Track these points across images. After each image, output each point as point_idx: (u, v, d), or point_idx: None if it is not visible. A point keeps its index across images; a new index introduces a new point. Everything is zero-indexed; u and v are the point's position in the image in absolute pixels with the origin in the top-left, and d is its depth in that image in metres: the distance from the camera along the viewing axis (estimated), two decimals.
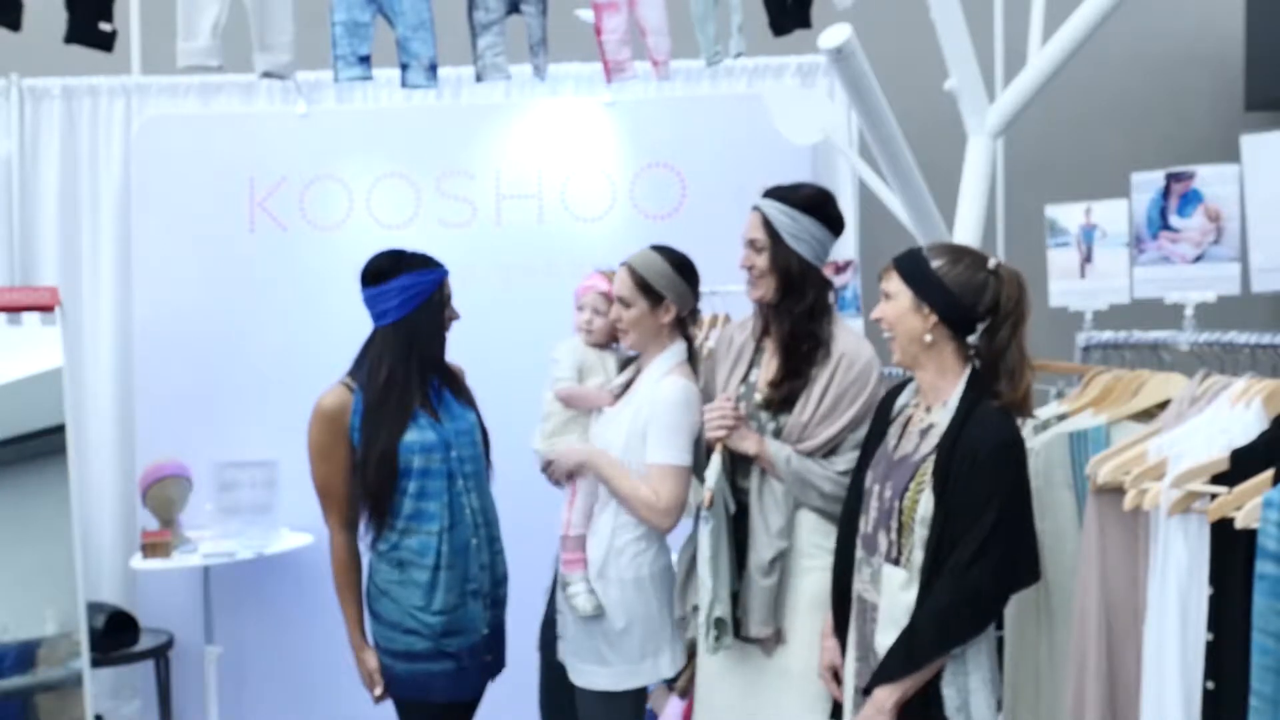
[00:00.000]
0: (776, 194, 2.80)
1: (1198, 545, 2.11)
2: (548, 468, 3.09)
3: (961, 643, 2.31)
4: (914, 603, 2.33)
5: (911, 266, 2.44)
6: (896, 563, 2.40)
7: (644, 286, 2.93)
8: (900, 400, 2.57)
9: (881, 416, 2.60)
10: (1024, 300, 2.40)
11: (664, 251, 2.98)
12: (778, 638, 2.75)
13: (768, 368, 2.82)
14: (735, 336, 2.94)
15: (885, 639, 2.39)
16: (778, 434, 2.76)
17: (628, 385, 3.02)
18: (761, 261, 2.78)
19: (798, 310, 2.75)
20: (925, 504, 2.34)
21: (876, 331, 2.57)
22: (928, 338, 2.41)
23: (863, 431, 2.68)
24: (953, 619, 2.29)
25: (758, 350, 2.87)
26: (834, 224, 2.81)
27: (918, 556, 2.35)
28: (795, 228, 2.75)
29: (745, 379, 2.85)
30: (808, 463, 2.72)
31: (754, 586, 2.73)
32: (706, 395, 2.90)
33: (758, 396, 2.81)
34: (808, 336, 2.75)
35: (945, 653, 2.31)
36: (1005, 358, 2.38)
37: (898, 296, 2.44)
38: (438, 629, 2.90)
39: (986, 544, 2.26)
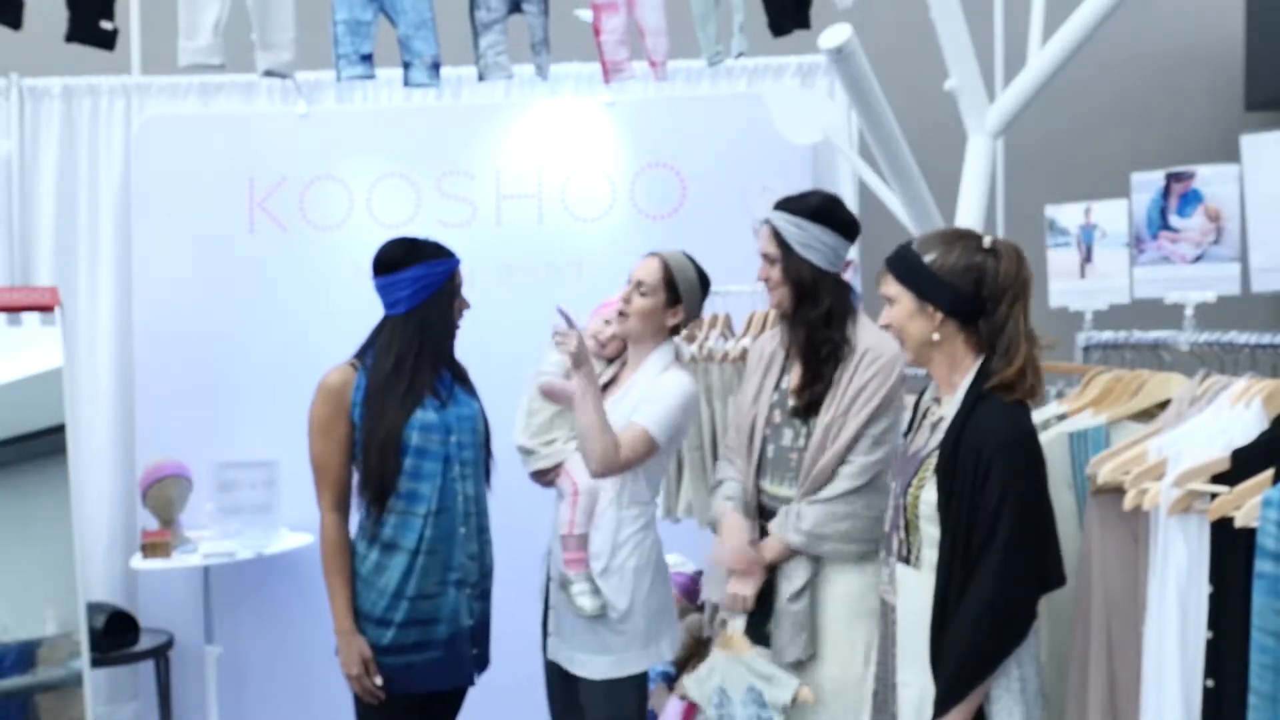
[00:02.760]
0: (785, 205, 2.83)
1: (1197, 545, 2.11)
2: (538, 474, 3.14)
3: (1008, 653, 2.24)
4: (931, 606, 2.29)
5: (906, 267, 2.36)
6: (907, 561, 2.39)
7: (670, 283, 3.01)
8: (926, 396, 2.52)
9: (912, 415, 2.56)
10: (1022, 273, 2.31)
11: (694, 262, 3.08)
12: (812, 657, 2.73)
13: (794, 374, 2.84)
14: (765, 347, 2.96)
15: (906, 641, 2.38)
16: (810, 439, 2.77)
17: (612, 380, 3.10)
18: (775, 273, 2.81)
19: (813, 317, 2.78)
20: (928, 499, 2.31)
21: None
22: (935, 336, 2.35)
23: (880, 426, 2.69)
24: (993, 632, 2.23)
25: (788, 358, 2.88)
26: (845, 228, 2.84)
27: (928, 555, 2.33)
28: (804, 237, 2.77)
29: (777, 386, 2.88)
30: (809, 516, 2.71)
31: (786, 613, 2.72)
32: (735, 403, 2.94)
33: (791, 402, 2.83)
34: (825, 342, 2.77)
35: (997, 666, 2.24)
36: (1003, 333, 2.30)
37: (899, 300, 2.37)
38: (409, 618, 2.86)
39: (1010, 550, 2.20)
